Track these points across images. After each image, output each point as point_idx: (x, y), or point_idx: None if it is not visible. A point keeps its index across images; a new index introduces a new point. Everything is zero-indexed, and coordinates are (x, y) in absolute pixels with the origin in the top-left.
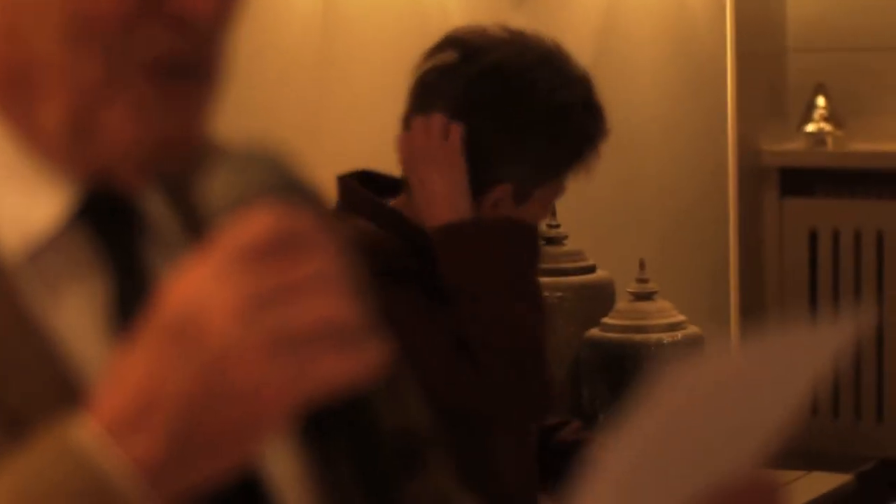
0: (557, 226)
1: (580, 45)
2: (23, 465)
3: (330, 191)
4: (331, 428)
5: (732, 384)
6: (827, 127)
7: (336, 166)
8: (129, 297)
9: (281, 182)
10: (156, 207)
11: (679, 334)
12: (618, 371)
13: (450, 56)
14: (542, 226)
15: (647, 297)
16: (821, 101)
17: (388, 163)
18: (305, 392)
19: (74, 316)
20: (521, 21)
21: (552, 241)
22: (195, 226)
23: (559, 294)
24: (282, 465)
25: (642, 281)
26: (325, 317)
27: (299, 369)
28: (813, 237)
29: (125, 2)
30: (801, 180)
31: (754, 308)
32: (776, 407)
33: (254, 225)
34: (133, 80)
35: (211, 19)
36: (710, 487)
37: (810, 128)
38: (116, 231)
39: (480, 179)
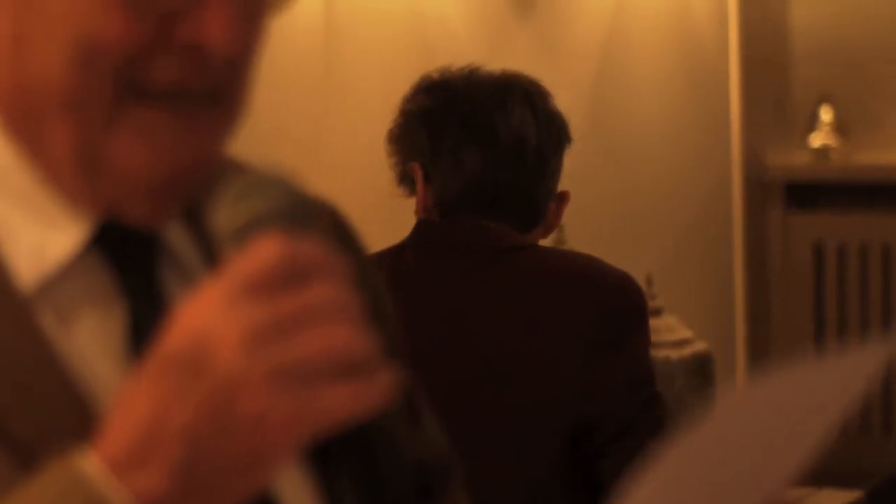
0: (563, 242)
1: (585, 58)
2: (28, 498)
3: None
4: (341, 457)
5: (764, 413)
6: (832, 141)
7: (338, 178)
8: (147, 325)
9: (290, 207)
10: (173, 232)
11: (687, 351)
12: None
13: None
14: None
15: (654, 313)
16: (825, 113)
17: (389, 175)
18: (312, 423)
19: (91, 345)
20: (525, 33)
21: None
22: (211, 251)
23: None
24: (291, 496)
25: (650, 297)
26: (332, 347)
27: (306, 400)
28: (818, 251)
29: (135, 28)
30: (806, 194)
31: (760, 323)
32: (807, 436)
33: (261, 254)
34: (141, 106)
35: (228, 50)
36: None
37: (815, 142)
38: (133, 257)
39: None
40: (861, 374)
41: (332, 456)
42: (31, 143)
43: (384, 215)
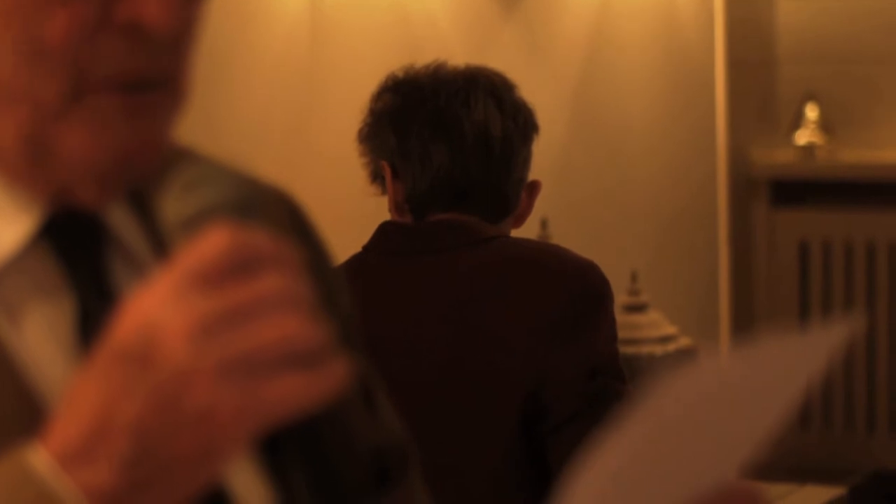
0: (548, 238)
1: (570, 54)
2: None
3: (322, 198)
4: (292, 448)
5: (721, 393)
6: (817, 138)
7: (323, 172)
8: (96, 318)
9: (240, 199)
10: (121, 223)
11: (671, 347)
12: None
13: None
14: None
15: (639, 309)
16: (811, 111)
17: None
18: (262, 415)
19: (40, 339)
20: (511, 30)
21: None
22: (160, 241)
23: None
24: (243, 488)
25: (634, 293)
26: (281, 337)
27: (256, 392)
28: (804, 248)
29: (77, 17)
30: (791, 191)
31: (745, 319)
32: (765, 415)
33: (209, 244)
34: (91, 95)
35: (169, 29)
36: (695, 496)
37: (801, 140)
38: (82, 249)
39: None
40: (820, 352)
41: (282, 446)
42: None
43: (369, 208)
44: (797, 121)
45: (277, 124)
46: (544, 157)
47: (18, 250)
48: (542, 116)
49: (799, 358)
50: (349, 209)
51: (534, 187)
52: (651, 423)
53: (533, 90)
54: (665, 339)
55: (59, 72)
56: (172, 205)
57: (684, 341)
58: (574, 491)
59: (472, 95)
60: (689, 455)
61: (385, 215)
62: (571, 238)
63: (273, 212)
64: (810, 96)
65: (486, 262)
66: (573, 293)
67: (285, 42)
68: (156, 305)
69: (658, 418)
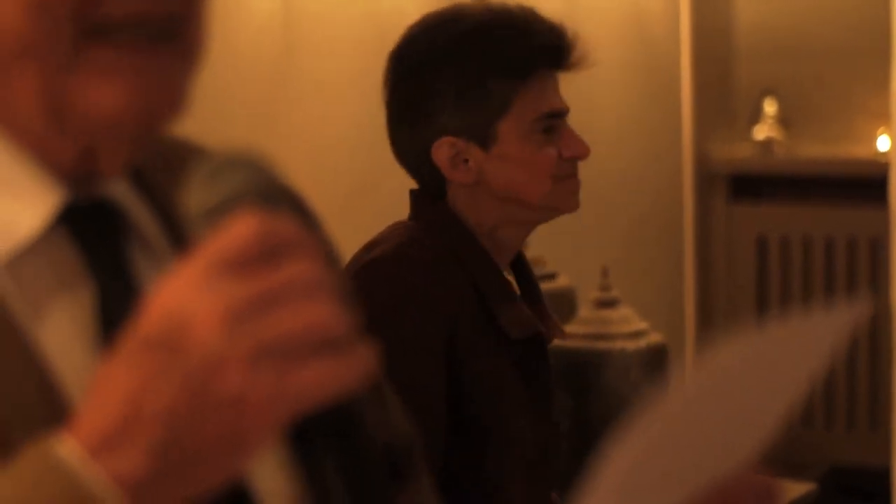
0: None
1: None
2: (4, 484)
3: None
4: (319, 438)
5: (732, 381)
6: (776, 133)
7: (294, 165)
8: (117, 305)
9: (262, 187)
10: (139, 212)
11: (643, 342)
12: (581, 379)
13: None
14: None
15: (610, 304)
16: (769, 106)
17: (347, 161)
18: (291, 402)
19: (60, 325)
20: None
21: None
22: (179, 232)
23: None
24: (270, 477)
25: (605, 288)
26: (311, 323)
27: (284, 378)
28: (762, 243)
29: None
30: (749, 186)
31: (708, 314)
32: (775, 401)
33: (235, 232)
34: (104, 44)
35: None
36: (711, 485)
37: (759, 134)
38: (101, 236)
39: (425, 142)
40: (826, 337)
41: (311, 436)
42: None
43: (342, 199)
44: (755, 116)
45: (247, 118)
46: None
47: (38, 233)
48: None
49: (806, 342)
50: (322, 202)
51: None
52: (667, 415)
53: None
54: (637, 335)
55: (68, 16)
56: (195, 195)
57: (655, 337)
58: (596, 483)
59: None
60: (705, 445)
61: (353, 209)
62: (541, 233)
63: (290, 202)
64: (768, 91)
65: None
66: (359, 297)
67: (258, 35)
68: (185, 292)
69: (673, 409)
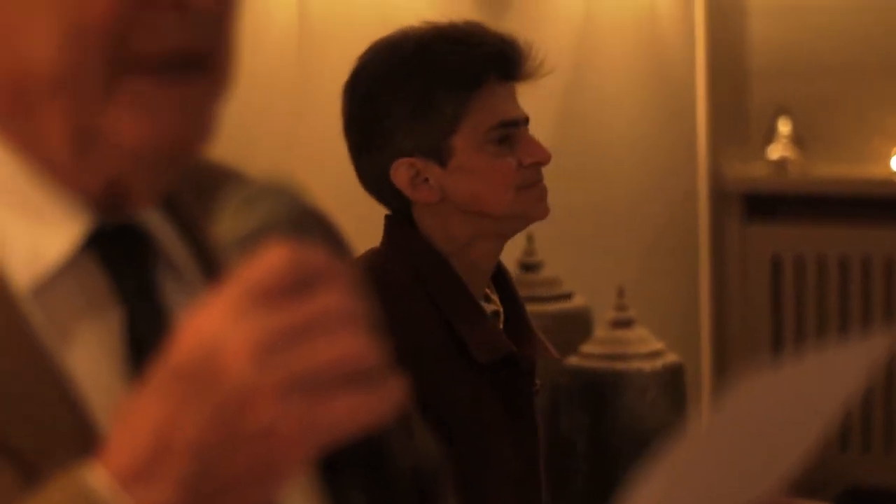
0: (533, 254)
1: (554, 73)
2: None
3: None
4: (348, 468)
5: (766, 408)
6: (790, 153)
7: (313, 178)
8: (145, 330)
9: (295, 216)
10: (168, 236)
11: (659, 363)
12: (597, 399)
13: None
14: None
15: (625, 324)
16: (783, 126)
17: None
18: (323, 434)
19: (88, 349)
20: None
21: (529, 268)
22: (209, 258)
23: (536, 322)
24: None
25: (621, 308)
26: (342, 356)
27: (315, 410)
28: (776, 263)
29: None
30: (764, 206)
31: (722, 334)
32: (808, 429)
33: (267, 262)
34: (134, 76)
35: (209, 4)
36: None
37: (774, 154)
38: (129, 260)
39: (383, 165)
40: (861, 366)
41: (341, 466)
42: (24, 130)
43: (360, 214)
44: (769, 135)
45: (266, 132)
46: None
47: (66, 258)
48: None
49: (839, 371)
50: (341, 216)
51: None
52: (695, 443)
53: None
54: (653, 355)
55: (102, 51)
56: (227, 222)
57: (671, 357)
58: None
59: None
60: (732, 474)
61: (373, 222)
62: (557, 253)
63: (322, 230)
64: (783, 111)
65: None
66: None
67: (274, 53)
68: (216, 323)
69: (701, 438)
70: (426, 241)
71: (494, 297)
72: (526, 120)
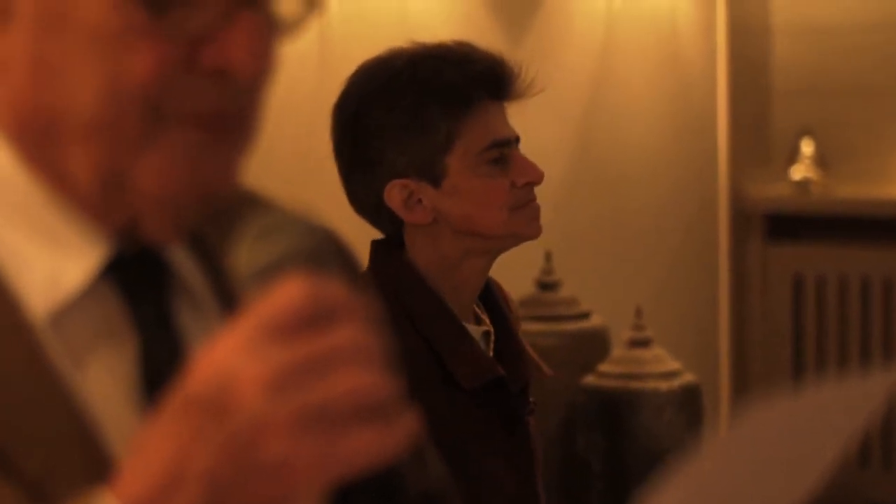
0: (551, 273)
1: (574, 89)
2: None
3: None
4: (360, 495)
5: (781, 435)
6: (813, 173)
7: (333, 198)
8: (160, 359)
9: (313, 248)
10: (186, 266)
11: (676, 383)
12: (613, 419)
13: None
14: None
15: (643, 344)
16: (806, 146)
17: None
18: (335, 468)
19: (102, 379)
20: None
21: (547, 287)
22: (226, 286)
23: (554, 341)
24: None
25: (638, 328)
26: (356, 390)
27: (329, 445)
28: (798, 283)
29: (164, 57)
30: (786, 226)
31: (742, 355)
32: (822, 455)
33: (283, 295)
34: (169, 132)
35: (252, 72)
36: None
37: (796, 174)
38: (146, 288)
39: (376, 187)
40: (867, 401)
41: (353, 495)
42: (48, 166)
43: (374, 235)
44: (792, 156)
45: (286, 146)
46: (547, 191)
47: (83, 287)
48: (545, 150)
49: (858, 398)
50: (359, 233)
51: None
52: (714, 464)
53: (536, 124)
54: (670, 375)
55: (140, 109)
56: (245, 254)
57: (688, 377)
58: None
59: None
60: (751, 489)
61: None
62: (575, 272)
63: (342, 260)
64: (806, 131)
65: None
66: None
67: (294, 72)
68: (231, 355)
69: (711, 462)
70: (411, 267)
71: (485, 317)
72: (517, 139)
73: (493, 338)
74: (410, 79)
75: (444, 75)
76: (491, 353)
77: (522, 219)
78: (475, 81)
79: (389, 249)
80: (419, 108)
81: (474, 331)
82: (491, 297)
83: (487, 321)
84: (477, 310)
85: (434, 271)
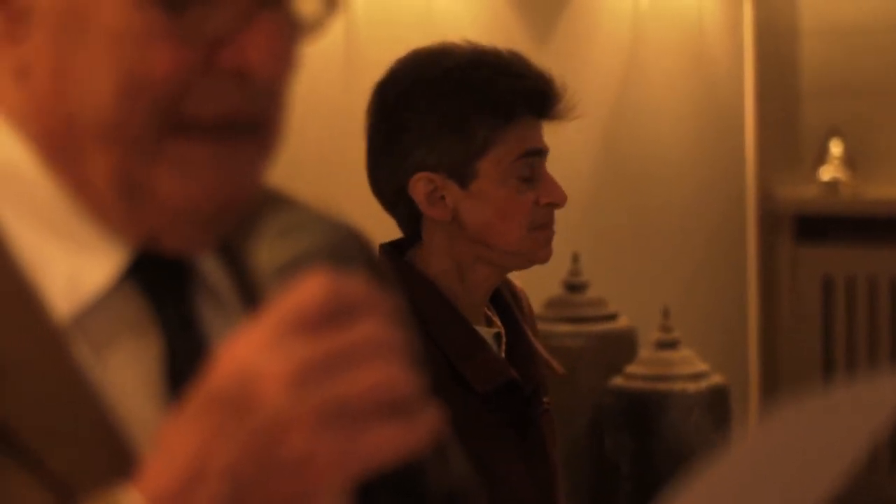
0: (579, 274)
1: (602, 90)
2: None
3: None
4: (383, 492)
5: (794, 441)
6: (842, 174)
7: (359, 201)
8: (183, 357)
9: (335, 245)
10: (208, 263)
11: (703, 384)
12: (641, 420)
13: None
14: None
15: (670, 345)
16: (835, 147)
17: None
18: (359, 464)
19: (126, 377)
20: (542, 65)
21: (574, 288)
22: (249, 284)
23: (581, 342)
24: None
25: (666, 329)
26: (379, 386)
27: (352, 440)
28: (827, 284)
29: (182, 58)
30: (815, 227)
31: (771, 355)
32: (834, 462)
33: (306, 291)
34: (186, 137)
35: (271, 75)
36: None
37: (825, 175)
38: (168, 287)
39: (401, 176)
40: (886, 404)
41: (376, 492)
42: (71, 172)
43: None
44: (821, 156)
45: (310, 155)
46: (574, 192)
47: (106, 288)
48: (573, 151)
49: (866, 407)
50: (383, 232)
51: None
52: (740, 464)
53: (563, 124)
54: (697, 377)
55: (157, 109)
56: (267, 252)
57: (716, 378)
58: None
59: None
60: (774, 490)
61: None
62: (602, 273)
63: (365, 257)
64: (834, 132)
65: None
66: None
67: (321, 75)
68: (253, 351)
69: (748, 459)
70: (421, 272)
71: (495, 318)
72: (547, 151)
73: (504, 339)
74: (459, 82)
75: (492, 87)
76: (503, 355)
77: (538, 240)
78: (522, 97)
79: (397, 254)
80: (462, 112)
81: (485, 333)
82: (502, 298)
83: (498, 322)
84: (488, 311)
85: (446, 271)
